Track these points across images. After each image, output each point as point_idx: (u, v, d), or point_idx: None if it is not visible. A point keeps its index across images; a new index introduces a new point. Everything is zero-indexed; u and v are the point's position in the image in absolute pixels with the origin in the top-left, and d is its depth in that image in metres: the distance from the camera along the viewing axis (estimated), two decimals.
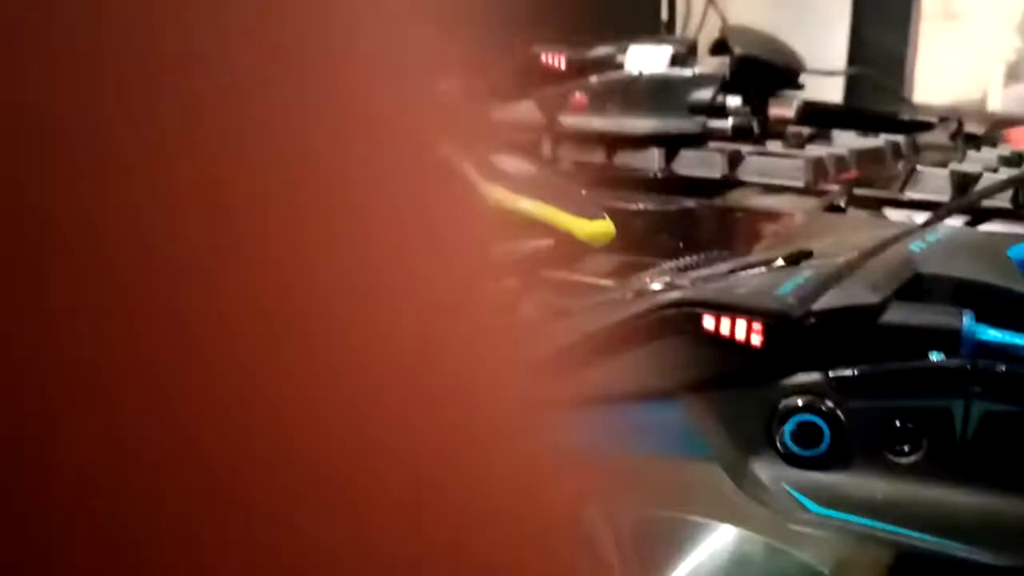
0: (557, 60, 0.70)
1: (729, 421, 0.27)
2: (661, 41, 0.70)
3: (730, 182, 0.61)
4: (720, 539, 0.25)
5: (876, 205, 0.56)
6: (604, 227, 0.39)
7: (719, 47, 0.68)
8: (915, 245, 0.30)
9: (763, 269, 0.30)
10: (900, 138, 0.71)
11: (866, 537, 0.26)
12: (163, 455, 0.07)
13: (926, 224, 0.36)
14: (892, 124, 0.76)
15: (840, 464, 0.26)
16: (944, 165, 0.59)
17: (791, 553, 0.25)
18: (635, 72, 0.64)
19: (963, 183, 0.56)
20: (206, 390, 0.07)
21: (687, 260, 0.39)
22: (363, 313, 0.08)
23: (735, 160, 0.62)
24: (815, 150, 0.64)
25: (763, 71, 0.67)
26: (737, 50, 0.66)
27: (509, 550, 0.09)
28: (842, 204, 0.55)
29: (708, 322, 0.27)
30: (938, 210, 0.51)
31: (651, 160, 0.63)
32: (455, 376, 0.09)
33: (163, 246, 0.07)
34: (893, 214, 0.56)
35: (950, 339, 0.26)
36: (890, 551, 0.26)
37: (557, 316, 0.35)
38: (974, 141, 0.72)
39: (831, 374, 0.26)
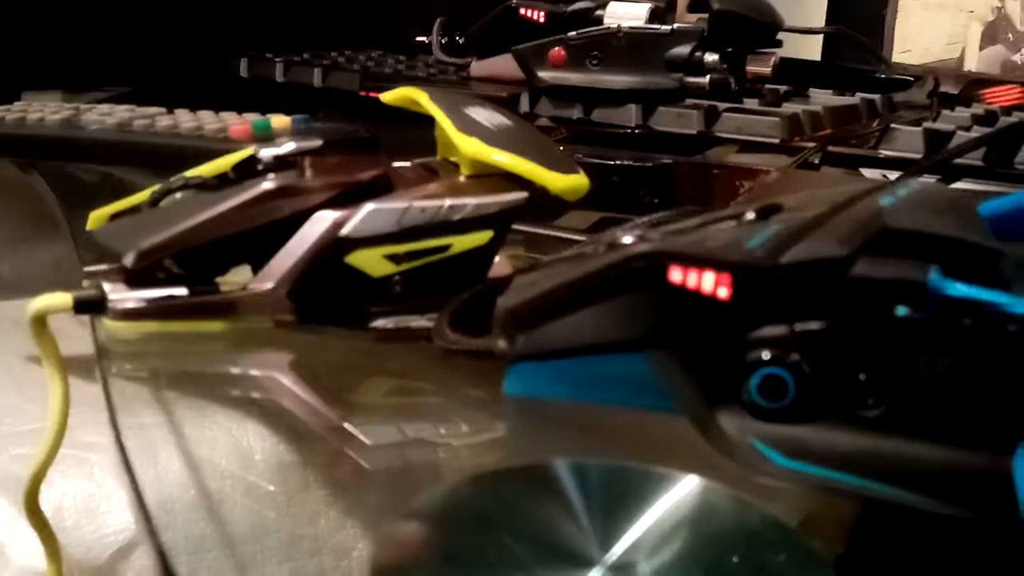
0: (536, 14, 0.70)
1: (695, 374, 0.27)
2: None
3: (707, 138, 0.61)
4: (686, 491, 0.25)
5: (850, 162, 0.56)
6: (578, 181, 0.39)
7: (698, 3, 0.68)
8: (885, 200, 0.30)
9: (733, 223, 0.30)
10: (876, 96, 0.71)
11: (832, 490, 0.26)
12: None
13: (897, 180, 0.36)
14: (868, 82, 0.76)
15: (806, 417, 0.26)
16: (918, 123, 0.59)
17: (757, 505, 0.25)
18: (613, 27, 0.63)
19: (936, 141, 0.56)
20: None
21: (660, 215, 0.38)
22: None
23: (712, 116, 0.62)
24: (791, 107, 0.64)
25: (741, 27, 0.66)
26: (716, 6, 0.65)
27: None
28: (816, 161, 0.55)
29: (675, 274, 0.26)
30: (910, 167, 0.51)
31: (628, 116, 0.63)
32: None
33: None
34: (867, 172, 0.56)
35: (916, 293, 0.26)
36: (856, 503, 0.26)
37: (527, 268, 0.35)
38: (949, 100, 0.72)
39: (797, 327, 0.26)
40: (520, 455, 0.32)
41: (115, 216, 0.39)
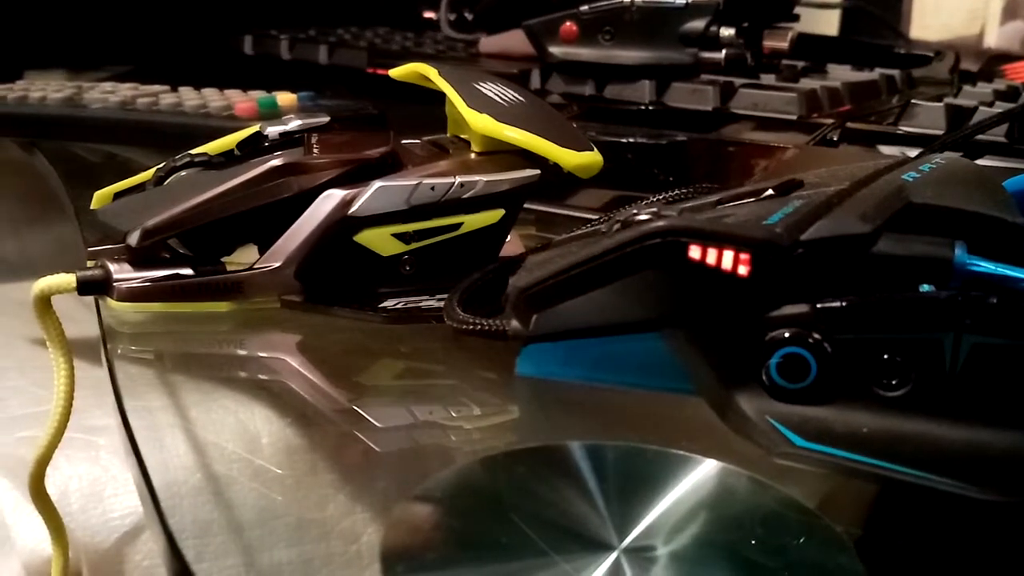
0: None
1: (714, 353, 0.27)
2: None
3: (722, 114, 0.61)
4: (703, 473, 0.25)
5: (869, 139, 0.55)
6: (592, 158, 0.38)
7: None
8: (908, 175, 0.30)
9: (752, 200, 0.30)
10: (895, 72, 0.70)
11: (852, 471, 0.25)
12: None
13: (919, 156, 0.35)
14: (888, 58, 0.75)
15: (827, 397, 0.26)
16: (939, 99, 0.58)
17: (776, 487, 0.25)
18: (626, 0, 0.62)
19: (958, 117, 0.55)
20: None
21: (676, 192, 0.38)
22: None
23: (727, 92, 0.61)
24: (809, 83, 0.63)
25: (758, 1, 0.65)
26: None
27: None
28: (835, 138, 0.54)
29: (694, 252, 0.26)
30: (931, 143, 0.50)
31: (642, 92, 0.62)
32: None
33: None
34: (887, 149, 0.55)
35: (941, 270, 0.25)
36: (876, 485, 0.26)
37: (539, 247, 0.35)
38: (970, 76, 0.71)
39: (819, 305, 0.25)
40: (533, 437, 0.31)
41: (119, 195, 0.39)
